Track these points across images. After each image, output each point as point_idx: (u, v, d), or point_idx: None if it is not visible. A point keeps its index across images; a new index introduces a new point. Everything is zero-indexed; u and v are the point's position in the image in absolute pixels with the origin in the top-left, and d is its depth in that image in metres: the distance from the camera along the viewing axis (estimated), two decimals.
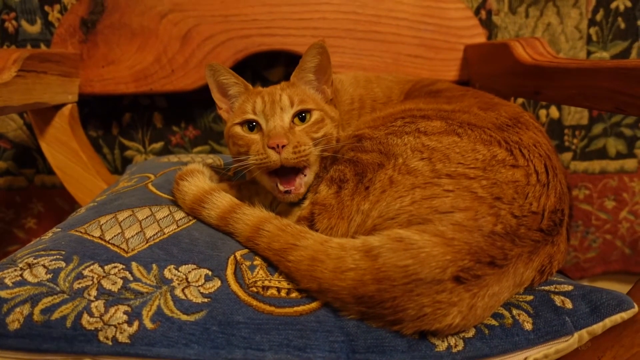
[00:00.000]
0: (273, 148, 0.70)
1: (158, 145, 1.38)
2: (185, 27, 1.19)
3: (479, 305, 0.54)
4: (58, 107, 1.12)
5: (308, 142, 0.73)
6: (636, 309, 0.57)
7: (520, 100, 1.36)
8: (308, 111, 0.77)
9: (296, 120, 0.76)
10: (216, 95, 0.83)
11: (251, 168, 0.74)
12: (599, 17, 1.31)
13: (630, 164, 1.40)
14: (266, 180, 0.76)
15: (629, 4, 1.30)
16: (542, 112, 1.38)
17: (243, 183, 0.84)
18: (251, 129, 0.77)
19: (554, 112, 1.38)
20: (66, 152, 1.14)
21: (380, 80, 0.95)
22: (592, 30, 1.32)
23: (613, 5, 1.30)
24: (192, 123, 1.38)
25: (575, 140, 1.39)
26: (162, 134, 1.38)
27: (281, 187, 0.73)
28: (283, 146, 0.70)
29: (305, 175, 0.75)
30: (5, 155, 1.36)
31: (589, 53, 1.34)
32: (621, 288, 0.64)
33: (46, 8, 1.25)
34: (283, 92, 0.77)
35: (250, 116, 0.76)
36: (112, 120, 1.36)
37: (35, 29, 1.27)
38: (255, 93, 0.80)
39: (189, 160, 1.09)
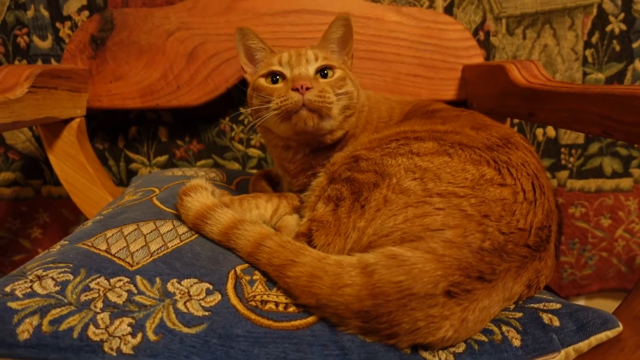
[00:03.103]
0: (297, 90, 0.74)
1: (162, 158, 1.42)
2: (192, 45, 1.23)
3: (470, 318, 0.56)
4: (67, 121, 1.15)
5: (331, 93, 0.78)
6: (620, 327, 0.59)
7: (517, 120, 1.38)
8: (331, 68, 0.82)
9: (318, 76, 0.81)
10: (243, 60, 0.90)
11: (269, 116, 0.78)
12: (594, 39, 1.34)
13: (625, 182, 1.42)
14: (283, 127, 0.80)
15: (623, 27, 1.34)
16: (539, 131, 1.41)
17: (244, 197, 0.87)
18: (275, 81, 0.82)
19: (550, 131, 1.41)
20: (73, 164, 1.17)
21: (387, 101, 0.99)
22: (588, 52, 1.35)
23: (608, 28, 1.34)
24: (196, 137, 1.41)
25: (571, 159, 1.42)
26: (167, 147, 1.41)
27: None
28: (307, 88, 0.74)
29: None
30: (14, 166, 1.40)
31: (584, 74, 1.37)
32: (617, 305, 0.66)
33: (57, 25, 1.30)
34: (309, 49, 0.83)
35: (276, 67, 0.82)
36: (119, 133, 1.40)
37: (46, 44, 1.31)
38: (279, 51, 0.86)
39: (193, 174, 1.12)
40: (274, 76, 0.82)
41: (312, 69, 0.81)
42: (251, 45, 0.89)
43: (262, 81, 0.83)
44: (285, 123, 0.79)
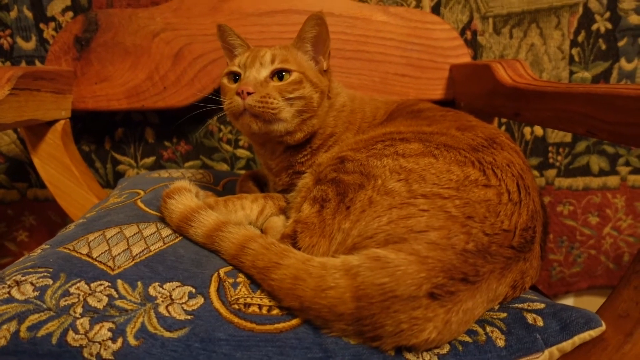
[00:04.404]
0: (239, 94, 0.77)
1: (150, 160, 1.40)
2: (177, 46, 1.22)
3: (454, 320, 0.56)
4: (51, 123, 1.13)
5: (278, 98, 0.79)
6: (604, 327, 0.59)
7: (505, 119, 1.39)
8: (287, 71, 0.82)
9: (275, 78, 0.82)
10: (226, 55, 0.93)
11: (226, 114, 0.82)
12: (580, 38, 1.35)
13: (613, 180, 1.43)
14: (237, 126, 0.84)
15: (609, 26, 1.35)
16: (527, 130, 1.42)
17: (229, 198, 0.86)
18: (235, 80, 0.84)
19: (538, 129, 1.41)
20: (58, 167, 1.16)
21: (372, 102, 0.99)
22: (574, 51, 1.36)
23: (594, 27, 1.35)
24: (183, 138, 1.40)
25: (559, 158, 1.43)
26: (154, 149, 1.40)
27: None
28: (249, 93, 0.77)
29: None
30: None
31: (571, 73, 1.38)
32: None
33: (41, 25, 1.28)
34: (268, 51, 0.84)
35: (234, 68, 0.85)
36: (105, 135, 1.38)
37: (30, 45, 1.29)
38: (248, 50, 0.88)
39: (179, 175, 1.11)
40: (234, 75, 0.85)
41: (264, 72, 0.81)
42: (230, 41, 0.90)
43: (225, 80, 0.86)
44: (236, 122, 0.83)
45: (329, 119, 0.89)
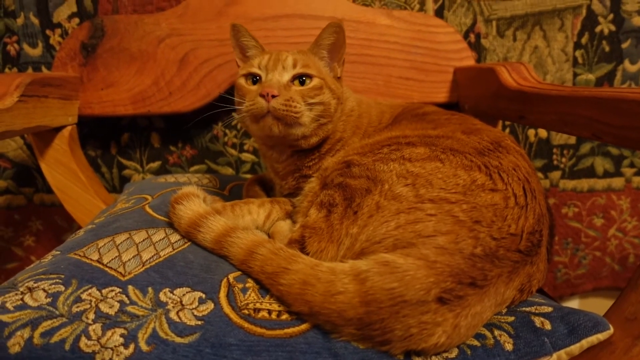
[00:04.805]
0: (263, 96, 0.76)
1: (155, 164, 1.41)
2: (183, 51, 1.23)
3: (463, 324, 0.56)
4: (58, 129, 1.14)
5: (300, 102, 0.79)
6: (611, 330, 0.60)
7: (508, 122, 1.39)
8: (309, 76, 0.83)
9: (296, 82, 0.83)
10: (237, 55, 0.93)
11: (244, 116, 0.81)
12: (584, 40, 1.36)
13: (617, 182, 1.43)
14: (253, 128, 0.83)
15: (613, 28, 1.35)
16: (531, 132, 1.42)
17: (236, 203, 0.86)
18: (254, 82, 0.84)
19: (542, 132, 1.41)
20: (65, 172, 1.17)
21: (378, 106, 1.00)
22: (578, 53, 1.36)
23: (598, 29, 1.35)
24: (189, 143, 1.41)
25: (563, 159, 1.43)
26: (160, 153, 1.41)
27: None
28: (273, 96, 0.76)
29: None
30: (5, 174, 1.39)
31: (575, 75, 1.38)
32: (611, 304, 0.66)
33: (47, 32, 1.29)
34: (290, 54, 0.84)
35: (254, 69, 0.84)
36: (111, 140, 1.39)
37: (36, 52, 1.30)
38: (266, 52, 0.87)
39: (186, 180, 1.12)
40: (253, 77, 0.85)
41: (287, 75, 0.82)
42: (244, 42, 0.90)
43: (242, 81, 0.86)
44: (254, 125, 0.82)
45: (339, 123, 0.89)
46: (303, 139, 0.85)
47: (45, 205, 1.42)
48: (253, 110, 0.79)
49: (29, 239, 1.45)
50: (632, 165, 1.43)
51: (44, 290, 0.60)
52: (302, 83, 0.82)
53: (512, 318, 0.62)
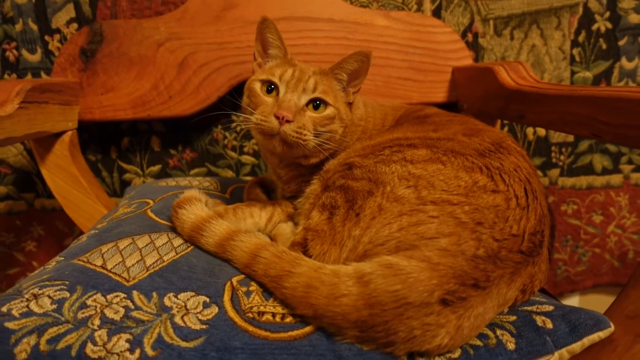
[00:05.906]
0: (278, 117, 0.76)
1: (156, 168, 1.42)
2: (182, 55, 1.23)
3: (466, 325, 0.57)
4: (58, 135, 1.15)
5: (311, 130, 0.79)
6: (612, 328, 0.60)
7: (507, 120, 1.40)
8: (325, 103, 0.82)
9: (310, 106, 0.82)
10: (257, 48, 0.90)
11: (250, 125, 0.80)
12: (581, 38, 1.36)
13: (616, 179, 1.44)
14: (258, 138, 0.83)
15: (609, 26, 1.36)
16: (530, 130, 1.42)
17: (238, 206, 0.87)
18: (269, 91, 0.82)
19: (540, 130, 1.42)
20: (66, 178, 1.17)
21: (381, 108, 1.00)
22: (575, 51, 1.37)
23: (594, 27, 1.36)
24: (189, 146, 1.41)
25: (562, 157, 1.43)
26: (160, 157, 1.41)
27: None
28: (288, 121, 0.76)
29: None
30: (6, 180, 1.39)
31: (572, 73, 1.38)
32: (612, 300, 0.67)
33: (46, 38, 1.29)
34: (313, 76, 0.83)
35: (275, 80, 0.82)
36: (111, 144, 1.39)
37: (35, 57, 1.30)
38: (289, 63, 0.86)
39: (187, 183, 1.12)
40: (269, 85, 0.82)
41: (305, 98, 0.81)
42: (269, 38, 0.88)
43: (257, 86, 0.83)
44: (259, 136, 0.82)
45: (346, 137, 0.89)
46: (303, 158, 0.86)
47: (46, 211, 1.42)
48: (263, 127, 0.78)
49: (30, 245, 1.45)
50: (630, 162, 1.44)
51: (49, 296, 0.60)
52: (316, 107, 0.82)
53: (514, 317, 0.63)
